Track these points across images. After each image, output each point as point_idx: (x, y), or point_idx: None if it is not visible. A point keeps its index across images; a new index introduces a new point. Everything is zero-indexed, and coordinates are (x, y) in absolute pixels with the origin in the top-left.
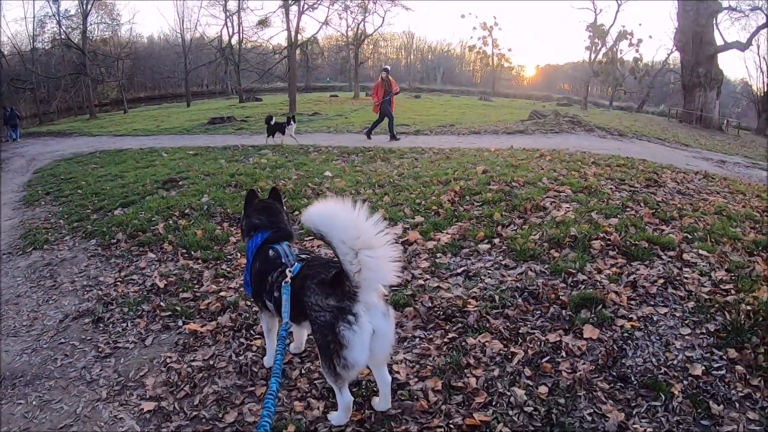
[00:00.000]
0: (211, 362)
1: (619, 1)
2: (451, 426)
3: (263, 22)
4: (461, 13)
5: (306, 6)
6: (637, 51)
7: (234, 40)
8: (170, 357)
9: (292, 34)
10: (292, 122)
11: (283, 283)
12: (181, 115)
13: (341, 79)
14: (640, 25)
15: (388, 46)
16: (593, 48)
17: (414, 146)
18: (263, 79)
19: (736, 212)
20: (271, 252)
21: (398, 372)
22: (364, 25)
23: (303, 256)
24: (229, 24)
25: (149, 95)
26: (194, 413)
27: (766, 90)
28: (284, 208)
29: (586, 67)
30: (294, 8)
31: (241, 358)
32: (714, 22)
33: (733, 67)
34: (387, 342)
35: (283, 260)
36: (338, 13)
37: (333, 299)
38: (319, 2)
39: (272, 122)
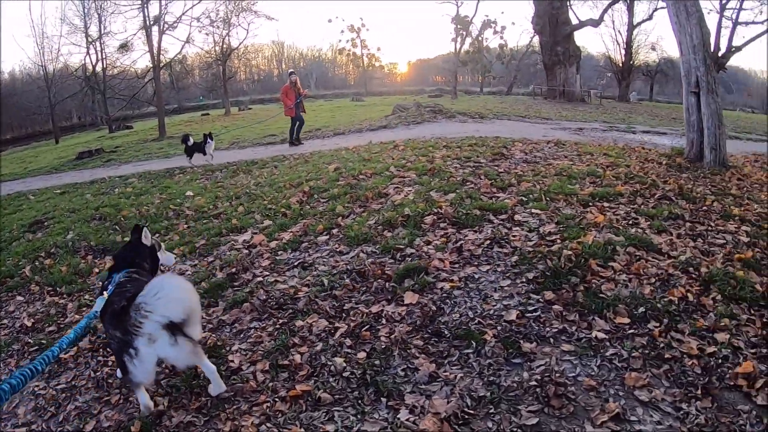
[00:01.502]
0: (73, 382)
1: None
2: (276, 399)
3: (125, 46)
4: (328, 18)
5: (166, 26)
6: (501, 38)
7: (99, 68)
8: (38, 386)
9: (155, 56)
10: (209, 140)
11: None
12: (50, 153)
13: (213, 97)
14: (502, 13)
15: (259, 58)
16: (459, 39)
17: (277, 155)
18: (132, 105)
19: (578, 171)
20: (106, 282)
21: (233, 361)
22: (228, 39)
23: (125, 283)
24: (92, 51)
25: (15, 136)
26: (59, 429)
27: (623, 61)
28: (144, 238)
29: (454, 58)
30: (155, 29)
31: (98, 373)
32: (568, 3)
33: (595, 42)
34: (182, 361)
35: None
36: (199, 30)
37: (119, 331)
38: (178, 21)
39: (190, 142)
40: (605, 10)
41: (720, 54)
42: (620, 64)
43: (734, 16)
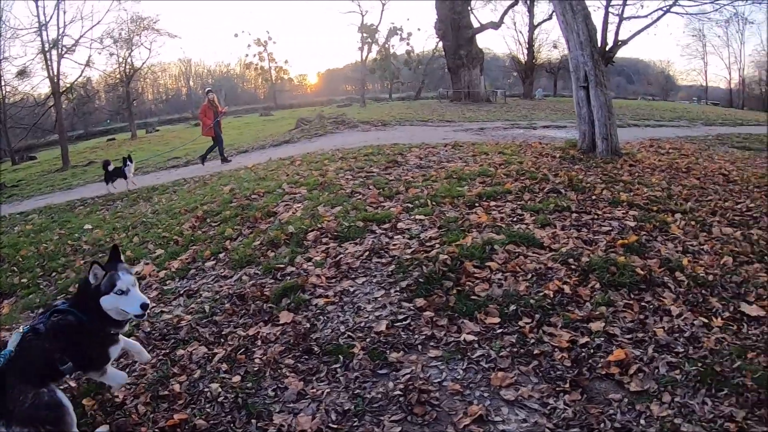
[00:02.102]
0: None
1: (383, 1)
2: (156, 430)
3: (23, 73)
4: (234, 32)
5: (64, 50)
6: (408, 44)
7: None
8: None
9: (54, 81)
10: (129, 162)
11: None
12: None
13: (121, 119)
14: (408, 19)
15: (166, 76)
16: (366, 48)
17: (178, 179)
18: (35, 134)
19: (470, 172)
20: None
21: (117, 396)
22: (131, 60)
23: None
24: None
25: None
26: None
27: (526, 60)
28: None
29: (362, 66)
30: (53, 52)
31: None
32: (469, 8)
33: (501, 43)
34: None
35: None
36: (99, 52)
37: None
38: (76, 44)
39: (110, 168)
40: (504, 13)
41: (608, 48)
42: (524, 63)
43: (620, 12)
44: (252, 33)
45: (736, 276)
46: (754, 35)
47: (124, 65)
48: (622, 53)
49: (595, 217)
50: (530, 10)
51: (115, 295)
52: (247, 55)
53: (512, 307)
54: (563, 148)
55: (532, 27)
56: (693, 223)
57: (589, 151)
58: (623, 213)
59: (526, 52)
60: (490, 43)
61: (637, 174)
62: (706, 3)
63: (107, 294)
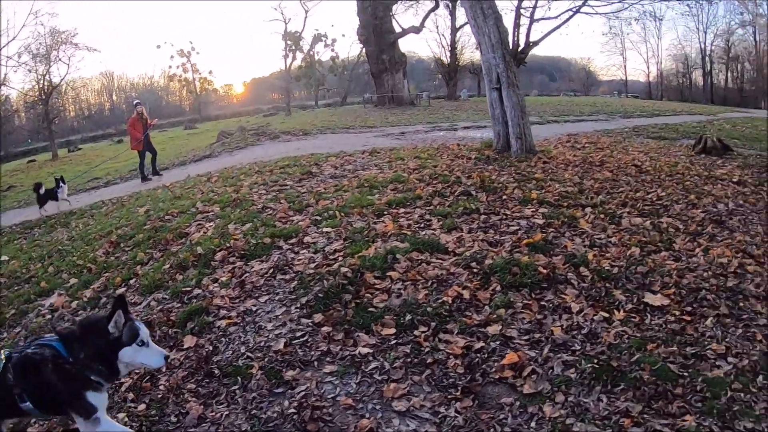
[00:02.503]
0: None
1: (306, 8)
2: None
3: None
4: (157, 43)
5: None
6: (332, 50)
7: None
8: None
9: None
10: (61, 184)
11: None
12: None
13: (42, 139)
14: (332, 26)
15: (87, 92)
16: (290, 55)
17: (96, 201)
18: None
19: (383, 179)
20: None
21: None
22: (49, 76)
23: None
24: None
25: None
26: None
27: (449, 62)
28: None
29: (286, 74)
30: None
31: None
32: (390, 13)
33: (426, 46)
34: None
35: None
36: (14, 69)
37: None
38: None
39: (42, 190)
40: (425, 17)
41: (519, 50)
42: (447, 65)
43: (531, 14)
44: (175, 44)
45: (642, 266)
46: (671, 30)
47: (42, 82)
48: (544, 52)
49: (504, 217)
50: (452, 14)
51: (136, 347)
52: (170, 67)
53: (408, 317)
54: (479, 149)
55: (455, 30)
56: (603, 216)
57: (504, 150)
58: (533, 211)
59: (449, 54)
60: (415, 46)
61: (550, 171)
62: (614, 2)
63: (129, 345)
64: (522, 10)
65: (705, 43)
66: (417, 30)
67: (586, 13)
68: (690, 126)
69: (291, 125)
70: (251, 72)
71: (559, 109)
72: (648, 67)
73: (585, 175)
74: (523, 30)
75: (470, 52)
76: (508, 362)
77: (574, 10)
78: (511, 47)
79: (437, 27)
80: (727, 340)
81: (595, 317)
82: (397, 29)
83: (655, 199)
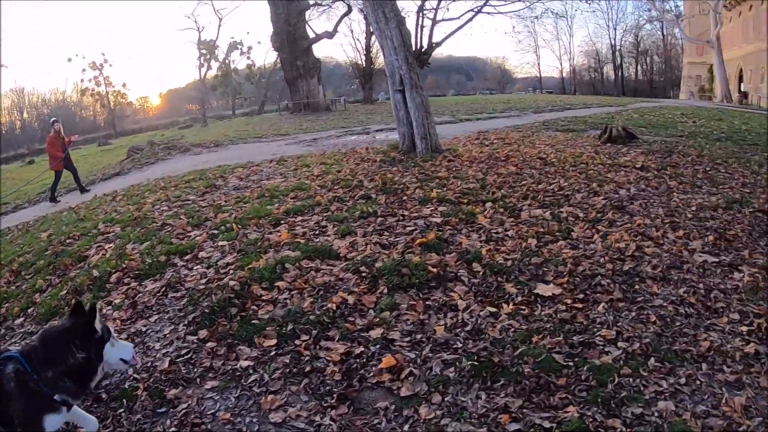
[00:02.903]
0: None
1: (220, 16)
2: None
3: None
4: (68, 56)
5: None
6: (248, 58)
7: None
8: None
9: None
10: None
11: None
12: None
13: None
14: (248, 33)
15: None
16: (205, 65)
17: (2, 228)
18: None
19: (285, 188)
20: None
21: None
22: None
23: None
24: None
25: None
26: None
27: (364, 66)
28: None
29: (201, 85)
30: None
31: None
32: (303, 19)
33: (341, 51)
34: None
35: None
36: None
37: None
38: None
39: None
40: (338, 22)
41: (422, 51)
42: (363, 69)
43: (433, 16)
44: (87, 56)
45: (536, 257)
46: (582, 27)
47: None
48: (461, 53)
49: (401, 218)
50: (366, 18)
51: (112, 342)
52: (82, 81)
53: (290, 327)
54: (385, 151)
55: (369, 34)
56: (502, 210)
57: (410, 151)
58: (432, 210)
59: (364, 58)
60: (332, 51)
61: (454, 169)
62: (515, 1)
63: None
64: (425, 11)
65: (615, 39)
66: (330, 35)
67: (488, 13)
68: (599, 117)
69: (204, 137)
70: (167, 83)
71: (473, 107)
72: (561, 64)
73: (489, 171)
74: (426, 31)
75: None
76: (385, 365)
77: (476, 10)
78: (414, 49)
79: (352, 31)
80: (618, 324)
81: (481, 313)
82: (311, 35)
83: (557, 189)
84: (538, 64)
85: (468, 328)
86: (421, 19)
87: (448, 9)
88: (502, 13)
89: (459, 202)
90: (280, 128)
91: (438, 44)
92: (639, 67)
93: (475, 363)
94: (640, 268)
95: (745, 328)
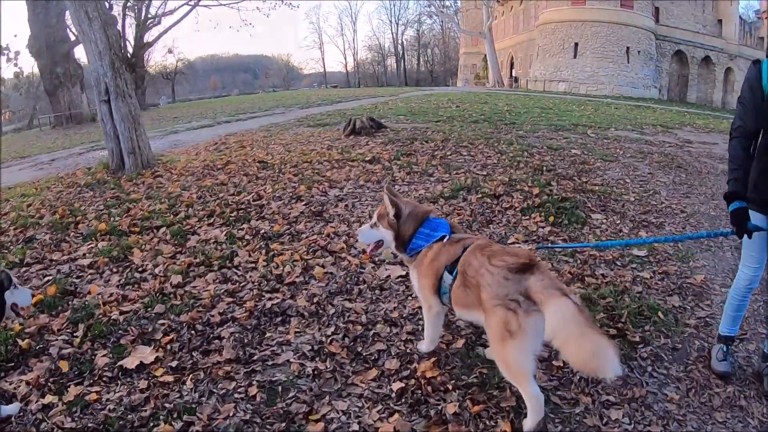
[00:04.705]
0: None
1: None
2: None
3: None
4: None
5: None
6: (16, 65)
7: None
8: None
9: None
10: None
11: None
12: None
13: None
14: (15, 36)
15: None
16: None
17: None
18: None
19: None
20: None
21: None
22: None
23: None
24: None
25: None
26: None
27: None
28: None
29: None
30: None
31: None
32: (63, 20)
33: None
34: None
35: None
36: None
37: None
38: None
39: None
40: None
41: (131, 54)
42: (134, 73)
43: (144, 14)
44: None
45: (161, 304)
46: (366, 23)
47: None
48: (248, 51)
49: (48, 264)
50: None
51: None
52: None
53: None
54: (94, 171)
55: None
56: (169, 237)
57: (119, 170)
58: (88, 248)
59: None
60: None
61: (157, 186)
62: None
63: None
64: (129, 6)
65: (397, 34)
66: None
67: (206, 6)
68: (362, 109)
69: None
70: None
71: (242, 107)
72: (345, 59)
73: (194, 185)
74: (133, 31)
75: (161, 57)
76: None
77: (192, 4)
78: (122, 53)
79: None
80: None
81: None
82: (72, 38)
83: (254, 199)
84: (323, 59)
85: None
86: (124, 18)
87: (165, 4)
88: (223, 4)
89: (130, 231)
90: (25, 149)
91: (150, 44)
92: (420, 59)
93: None
94: (289, 303)
95: None
